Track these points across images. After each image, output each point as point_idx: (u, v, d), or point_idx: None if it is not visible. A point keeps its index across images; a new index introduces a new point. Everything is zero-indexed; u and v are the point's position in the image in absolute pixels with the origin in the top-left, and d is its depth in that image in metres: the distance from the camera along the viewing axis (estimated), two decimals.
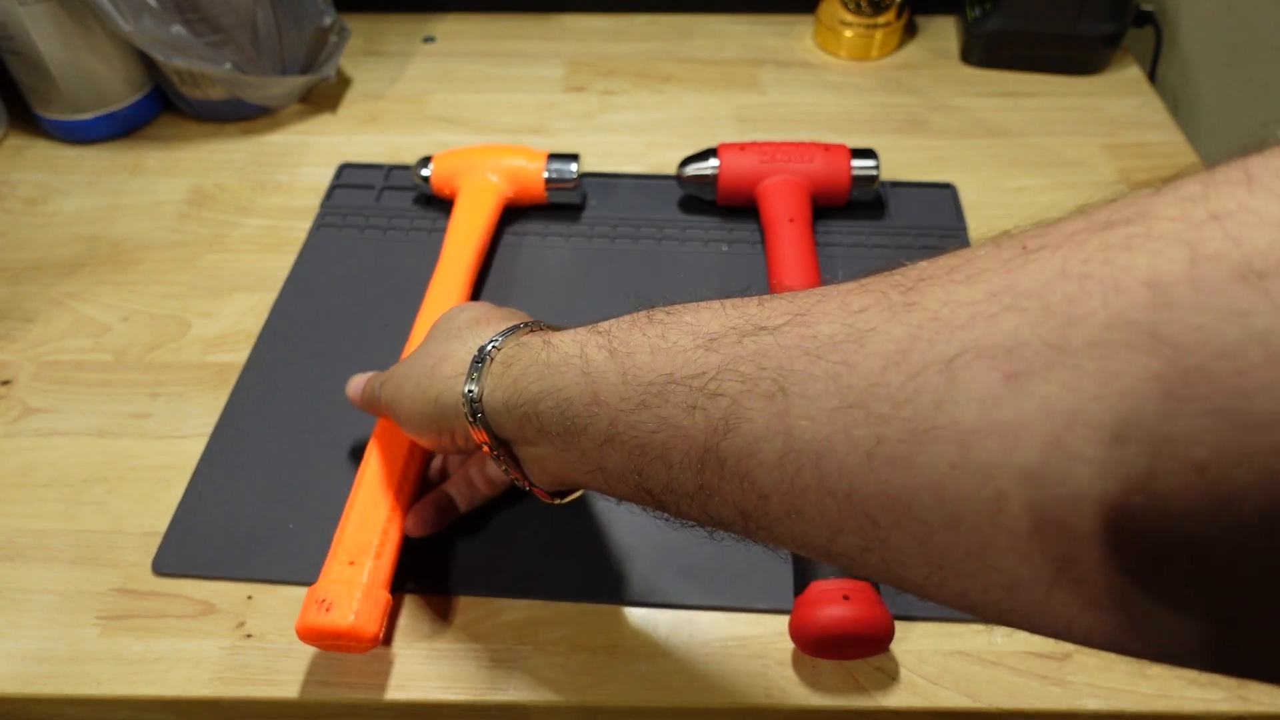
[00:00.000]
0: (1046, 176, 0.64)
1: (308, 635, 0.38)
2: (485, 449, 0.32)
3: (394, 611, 0.41)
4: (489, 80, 0.75)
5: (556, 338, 0.30)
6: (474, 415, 0.32)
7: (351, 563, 0.39)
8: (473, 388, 0.32)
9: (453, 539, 0.44)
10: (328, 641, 0.38)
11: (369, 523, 0.41)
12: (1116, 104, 0.71)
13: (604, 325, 0.29)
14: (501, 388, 0.31)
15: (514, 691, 0.39)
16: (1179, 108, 0.83)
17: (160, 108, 0.71)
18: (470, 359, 0.33)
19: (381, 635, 0.39)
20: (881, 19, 0.74)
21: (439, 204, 0.61)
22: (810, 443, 0.20)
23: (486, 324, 0.36)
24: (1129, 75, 0.74)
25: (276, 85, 0.67)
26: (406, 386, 0.37)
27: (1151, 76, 0.76)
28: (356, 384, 0.44)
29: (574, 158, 0.59)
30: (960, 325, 0.18)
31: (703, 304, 0.27)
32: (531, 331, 0.33)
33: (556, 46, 0.78)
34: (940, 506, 0.18)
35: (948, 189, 0.63)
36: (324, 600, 0.37)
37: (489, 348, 0.32)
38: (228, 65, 0.64)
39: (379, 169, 0.65)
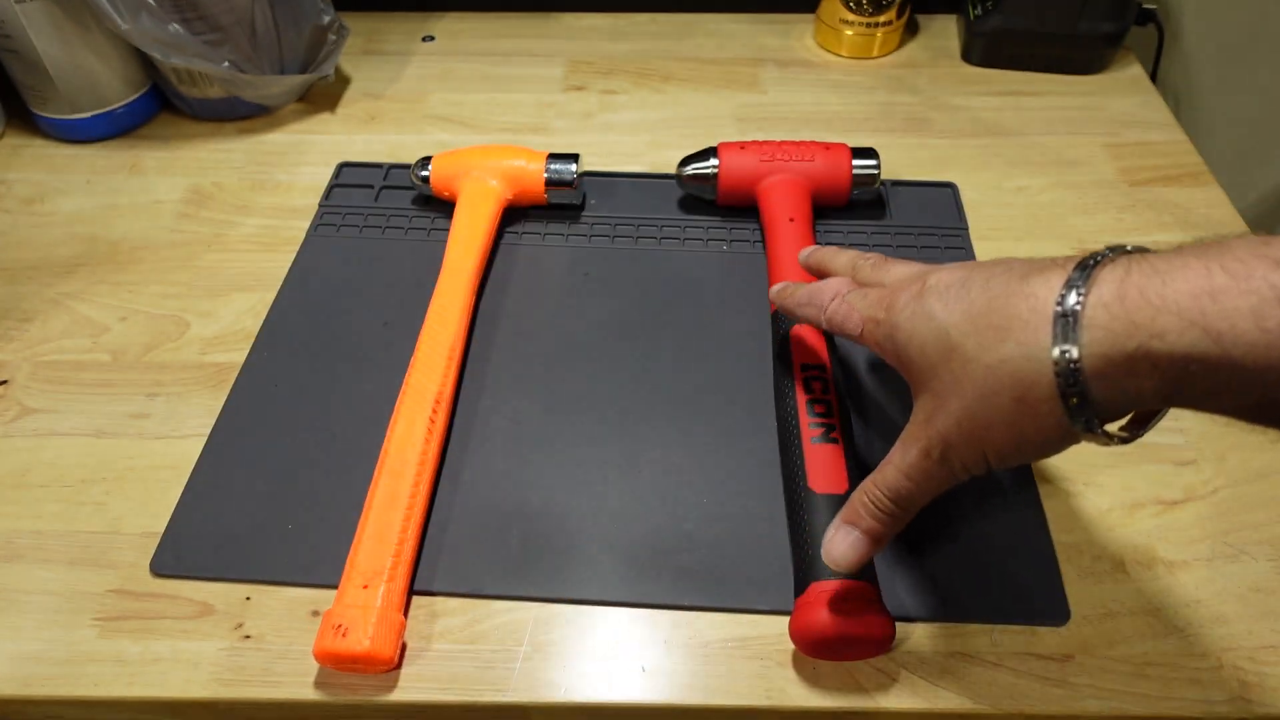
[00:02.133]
0: (1048, 176, 0.64)
1: (324, 659, 0.38)
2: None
3: None
4: (489, 79, 0.74)
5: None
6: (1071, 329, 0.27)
7: (365, 586, 0.39)
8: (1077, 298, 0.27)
9: (452, 539, 0.44)
10: (344, 665, 0.38)
11: (382, 545, 0.41)
12: (1118, 103, 0.71)
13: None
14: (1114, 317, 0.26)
15: (514, 692, 0.39)
16: (1181, 107, 0.83)
17: (158, 107, 0.70)
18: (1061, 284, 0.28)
19: (397, 658, 0.39)
20: (882, 18, 0.74)
21: (438, 204, 0.61)
22: None
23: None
24: (1131, 74, 0.74)
25: (275, 84, 0.67)
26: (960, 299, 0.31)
27: (1153, 76, 0.76)
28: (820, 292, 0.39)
29: (574, 158, 0.59)
30: None
31: None
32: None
33: (556, 46, 0.78)
34: None
35: (949, 188, 0.63)
36: (340, 625, 0.38)
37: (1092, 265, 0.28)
38: (226, 64, 0.64)
39: (378, 168, 0.64)
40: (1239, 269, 0.25)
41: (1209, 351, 0.25)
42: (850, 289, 0.39)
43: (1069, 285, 0.28)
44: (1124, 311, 0.26)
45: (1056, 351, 0.27)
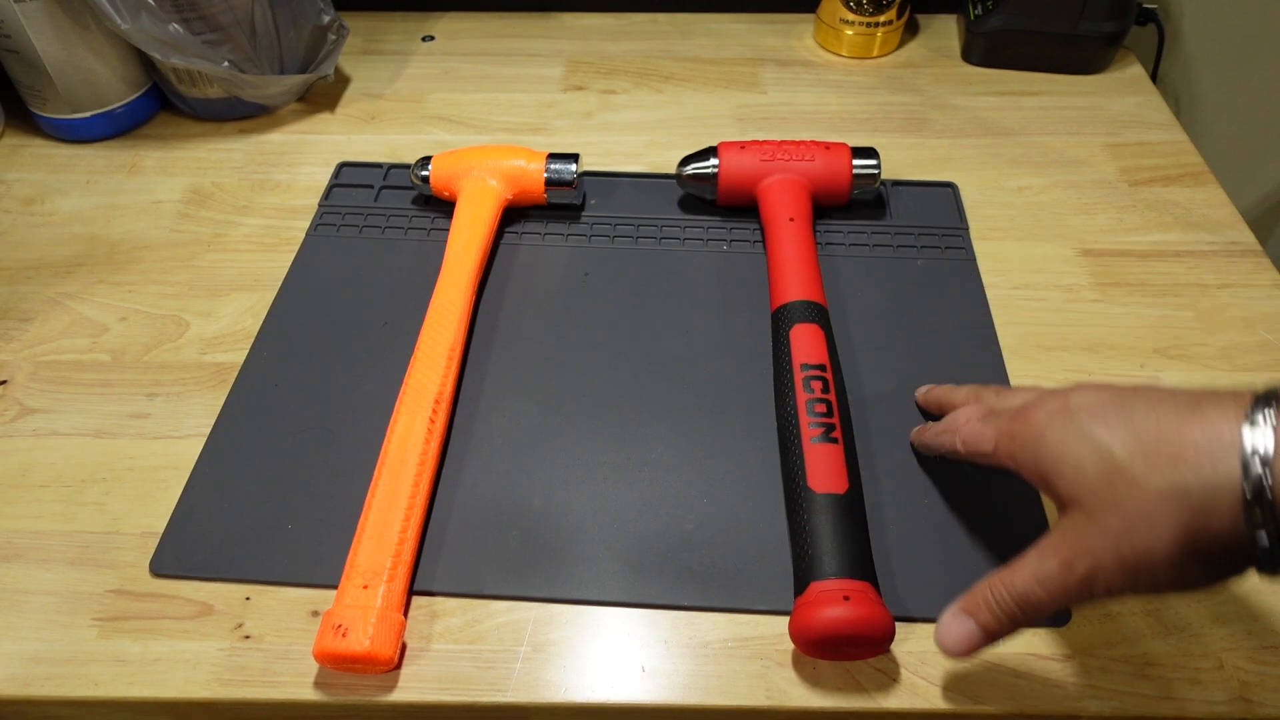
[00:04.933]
0: (1048, 176, 0.64)
1: (324, 659, 0.38)
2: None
3: None
4: (488, 79, 0.74)
5: None
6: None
7: (365, 586, 0.39)
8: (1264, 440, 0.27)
9: (452, 539, 0.44)
10: (344, 665, 0.38)
11: (381, 545, 0.41)
12: (1118, 103, 0.71)
13: None
14: None
15: (514, 692, 0.39)
16: (1181, 107, 0.83)
17: (158, 107, 0.70)
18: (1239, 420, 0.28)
19: (397, 658, 0.39)
20: (882, 17, 0.74)
21: (438, 203, 0.61)
22: None
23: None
24: (1131, 74, 0.74)
25: (275, 84, 0.67)
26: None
27: (1154, 75, 0.76)
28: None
29: (574, 158, 0.59)
30: None
31: None
32: None
33: (556, 45, 0.78)
34: None
35: (949, 188, 0.63)
36: (340, 625, 0.38)
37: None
38: (225, 64, 0.64)
39: (377, 168, 0.64)
40: None
41: None
42: (980, 415, 0.40)
43: (1252, 420, 0.28)
44: None
45: (1245, 485, 0.27)
